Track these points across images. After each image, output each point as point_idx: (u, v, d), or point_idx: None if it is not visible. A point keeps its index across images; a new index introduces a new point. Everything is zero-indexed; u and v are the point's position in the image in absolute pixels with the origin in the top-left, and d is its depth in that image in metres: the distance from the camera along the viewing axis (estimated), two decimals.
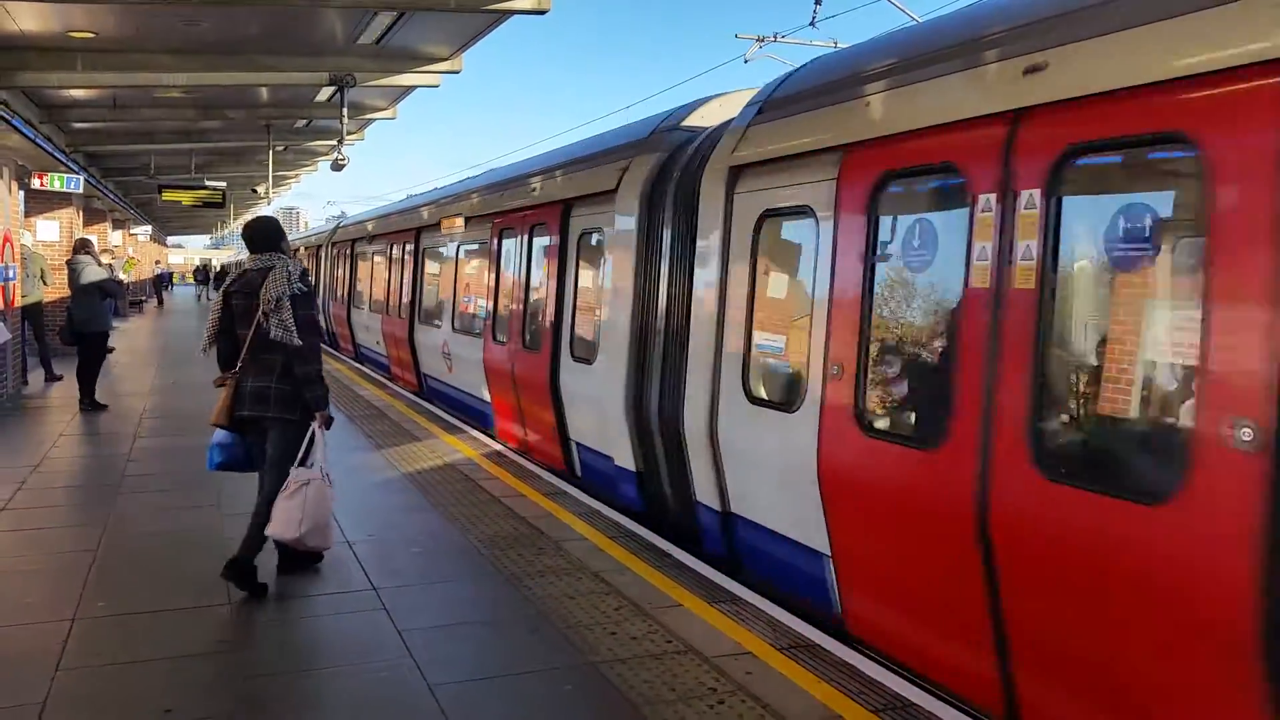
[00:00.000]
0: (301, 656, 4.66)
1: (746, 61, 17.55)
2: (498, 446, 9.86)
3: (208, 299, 47.81)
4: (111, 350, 16.73)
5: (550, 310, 9.03)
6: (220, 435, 5.69)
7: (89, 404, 11.78)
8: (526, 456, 9.47)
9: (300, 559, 5.78)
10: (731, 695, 4.18)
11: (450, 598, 5.50)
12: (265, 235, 5.65)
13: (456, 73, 13.18)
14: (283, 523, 5.33)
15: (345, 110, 14.74)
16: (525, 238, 9.97)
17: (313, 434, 5.50)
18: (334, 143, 17.24)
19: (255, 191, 25.36)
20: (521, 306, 9.95)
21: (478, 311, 11.63)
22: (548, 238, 9.35)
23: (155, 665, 4.45)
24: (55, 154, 15.54)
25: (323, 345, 5.99)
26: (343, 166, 16.96)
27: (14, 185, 12.91)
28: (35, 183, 16.18)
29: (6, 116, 11.76)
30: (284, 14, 10.80)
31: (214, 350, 5.66)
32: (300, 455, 5.48)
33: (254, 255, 5.61)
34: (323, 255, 25.43)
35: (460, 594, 5.55)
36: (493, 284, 10.79)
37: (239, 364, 5.49)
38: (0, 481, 7.93)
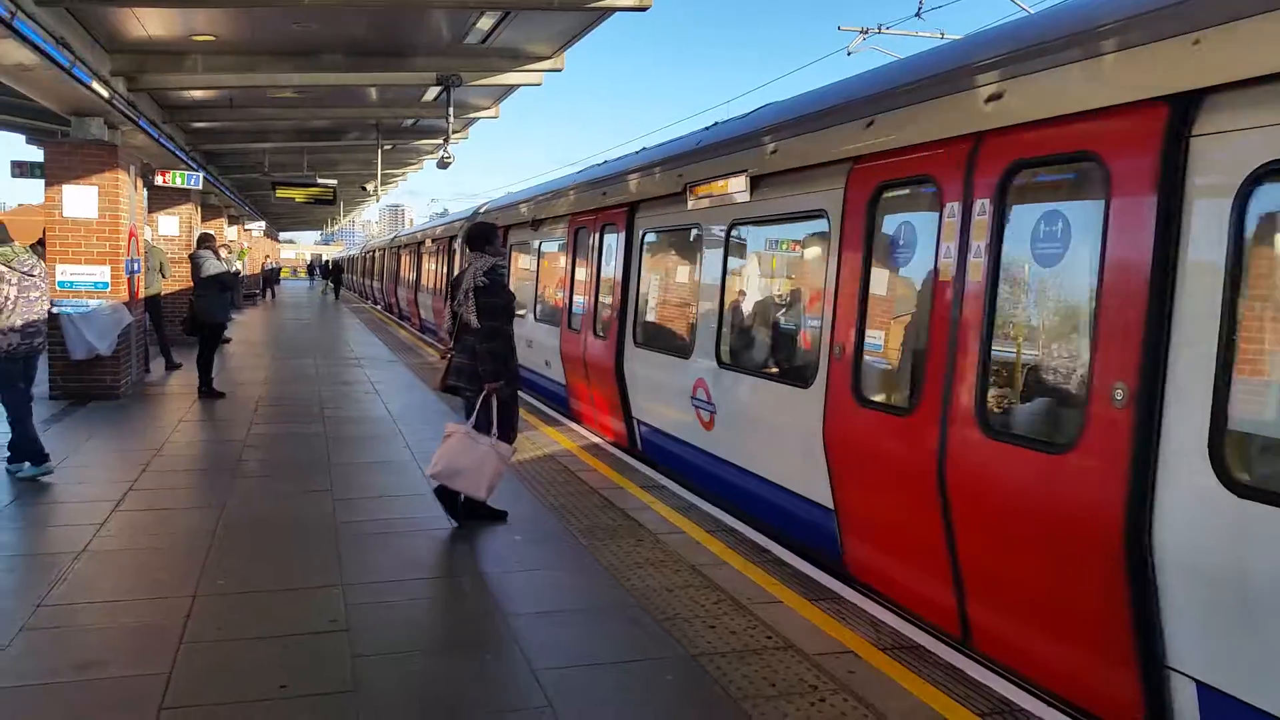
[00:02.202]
0: (409, 638, 4.78)
1: (850, 54, 17.37)
2: (595, 439, 9.92)
3: (322, 292, 50.51)
4: (228, 341, 17.47)
5: (1115, 357, 3.94)
6: None
7: (207, 391, 12.29)
8: (972, 654, 4.78)
9: (480, 511, 6.71)
10: (833, 694, 4.14)
11: (552, 586, 5.59)
12: (473, 238, 6.82)
13: (558, 71, 13.30)
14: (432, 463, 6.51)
15: (451, 109, 15.01)
16: (984, 196, 4.72)
17: (480, 401, 6.50)
18: (439, 141, 17.57)
19: (364, 189, 26.03)
20: (978, 347, 4.71)
21: (794, 339, 7.12)
22: (1131, 192, 3.97)
23: (271, 642, 4.63)
24: (176, 152, 16.28)
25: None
26: (448, 164, 17.28)
27: (139, 182, 13.54)
28: (159, 180, 16.95)
29: (134, 118, 12.35)
30: (392, 15, 11.05)
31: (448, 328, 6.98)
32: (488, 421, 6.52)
33: (470, 254, 6.77)
34: (459, 249, 19.80)
35: (562, 582, 5.63)
36: (852, 293, 5.80)
37: (454, 341, 6.75)
38: (126, 464, 8.34)
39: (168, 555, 5.96)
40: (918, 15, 15.66)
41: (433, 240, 24.79)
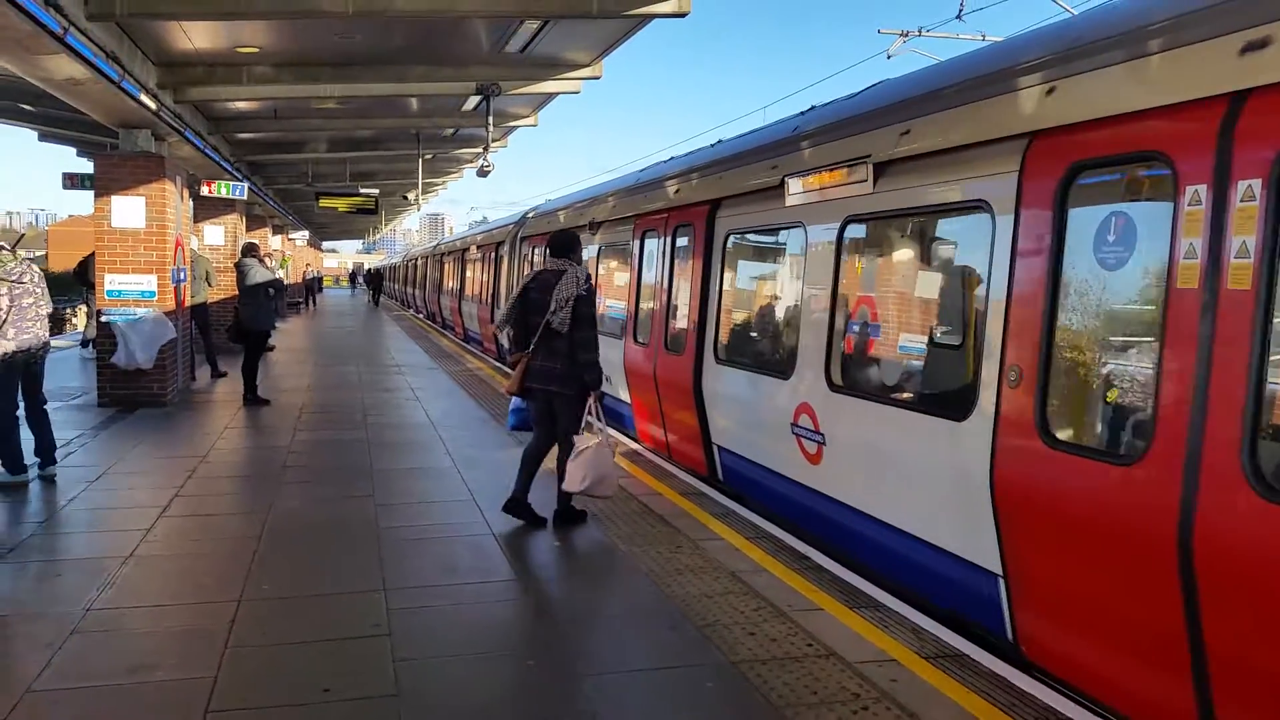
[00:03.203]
0: (451, 643, 4.79)
1: (890, 57, 17.27)
2: (635, 445, 9.92)
3: (362, 297, 51.91)
4: (271, 349, 17.71)
5: None
6: (516, 402, 7.29)
7: (252, 398, 12.45)
8: None
9: (572, 515, 6.89)
10: (876, 702, 4.10)
11: (592, 592, 5.60)
12: (561, 245, 6.91)
13: (597, 78, 13.37)
14: (571, 479, 6.57)
15: (490, 118, 15.13)
16: (1251, 176, 3.61)
17: (590, 407, 6.69)
18: (479, 150, 17.73)
19: (406, 198, 26.32)
20: None
21: (941, 360, 5.88)
22: None
23: (314, 646, 4.67)
24: (221, 163, 16.57)
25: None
26: (488, 173, 17.44)
27: (185, 193, 13.78)
28: (204, 190, 17.26)
29: (180, 129, 12.58)
30: (433, 26, 11.15)
31: (506, 331, 7.10)
32: (580, 424, 6.70)
33: (551, 259, 6.83)
34: (505, 256, 19.22)
35: (602, 589, 5.64)
36: (1034, 304, 4.60)
37: (531, 346, 6.72)
38: (172, 470, 8.46)
39: (213, 560, 6.04)
40: (959, 17, 15.56)
41: (477, 248, 24.55)
